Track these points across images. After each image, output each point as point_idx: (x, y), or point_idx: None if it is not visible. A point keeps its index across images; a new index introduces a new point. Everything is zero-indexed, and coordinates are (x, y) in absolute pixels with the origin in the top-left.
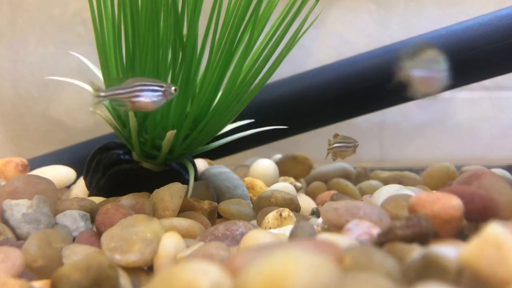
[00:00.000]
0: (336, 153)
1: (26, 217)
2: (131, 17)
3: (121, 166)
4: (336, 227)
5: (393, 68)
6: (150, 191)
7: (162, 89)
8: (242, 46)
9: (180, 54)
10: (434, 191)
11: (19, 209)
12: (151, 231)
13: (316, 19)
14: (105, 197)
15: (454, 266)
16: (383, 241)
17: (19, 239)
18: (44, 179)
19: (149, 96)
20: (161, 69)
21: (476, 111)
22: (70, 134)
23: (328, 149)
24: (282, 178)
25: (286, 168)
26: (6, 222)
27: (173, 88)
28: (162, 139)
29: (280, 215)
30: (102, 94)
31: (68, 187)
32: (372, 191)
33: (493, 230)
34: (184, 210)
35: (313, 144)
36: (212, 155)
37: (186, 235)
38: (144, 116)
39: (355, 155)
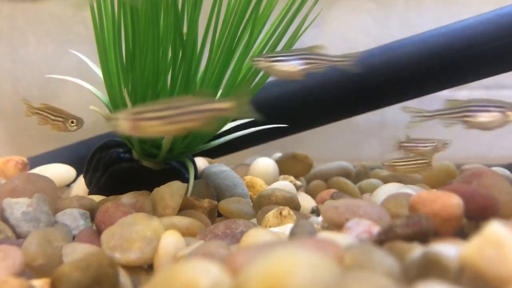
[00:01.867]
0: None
1: (26, 216)
2: (131, 16)
3: (121, 165)
4: (336, 225)
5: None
6: (150, 189)
7: (500, 109)
8: (242, 45)
9: (180, 52)
10: (434, 190)
11: (19, 207)
12: (151, 230)
13: (316, 17)
14: (105, 196)
15: (454, 265)
16: (383, 239)
17: (19, 237)
18: (44, 177)
19: (483, 116)
20: (161, 68)
21: None
22: (70, 132)
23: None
24: (282, 176)
25: (286, 166)
26: (6, 220)
27: None
28: (162, 138)
29: (280, 213)
30: (427, 114)
31: (68, 185)
32: (372, 189)
33: (494, 228)
34: (184, 208)
35: (313, 142)
36: (212, 153)
37: (186, 233)
38: None
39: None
